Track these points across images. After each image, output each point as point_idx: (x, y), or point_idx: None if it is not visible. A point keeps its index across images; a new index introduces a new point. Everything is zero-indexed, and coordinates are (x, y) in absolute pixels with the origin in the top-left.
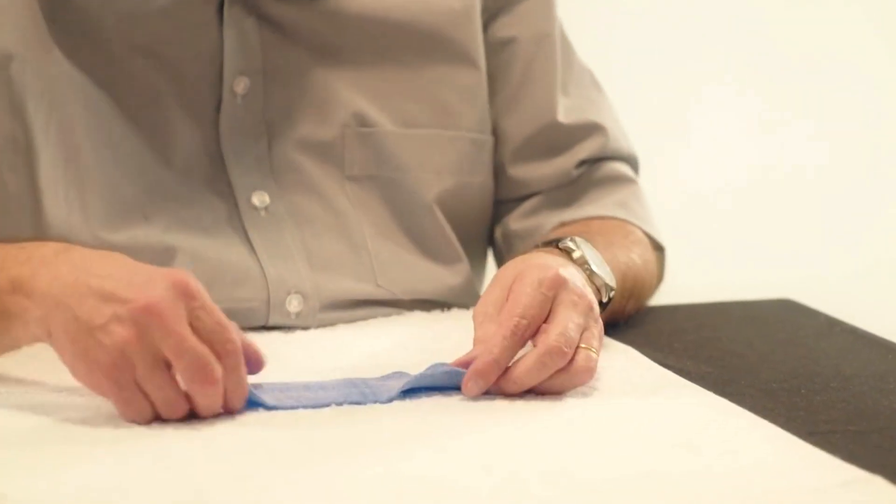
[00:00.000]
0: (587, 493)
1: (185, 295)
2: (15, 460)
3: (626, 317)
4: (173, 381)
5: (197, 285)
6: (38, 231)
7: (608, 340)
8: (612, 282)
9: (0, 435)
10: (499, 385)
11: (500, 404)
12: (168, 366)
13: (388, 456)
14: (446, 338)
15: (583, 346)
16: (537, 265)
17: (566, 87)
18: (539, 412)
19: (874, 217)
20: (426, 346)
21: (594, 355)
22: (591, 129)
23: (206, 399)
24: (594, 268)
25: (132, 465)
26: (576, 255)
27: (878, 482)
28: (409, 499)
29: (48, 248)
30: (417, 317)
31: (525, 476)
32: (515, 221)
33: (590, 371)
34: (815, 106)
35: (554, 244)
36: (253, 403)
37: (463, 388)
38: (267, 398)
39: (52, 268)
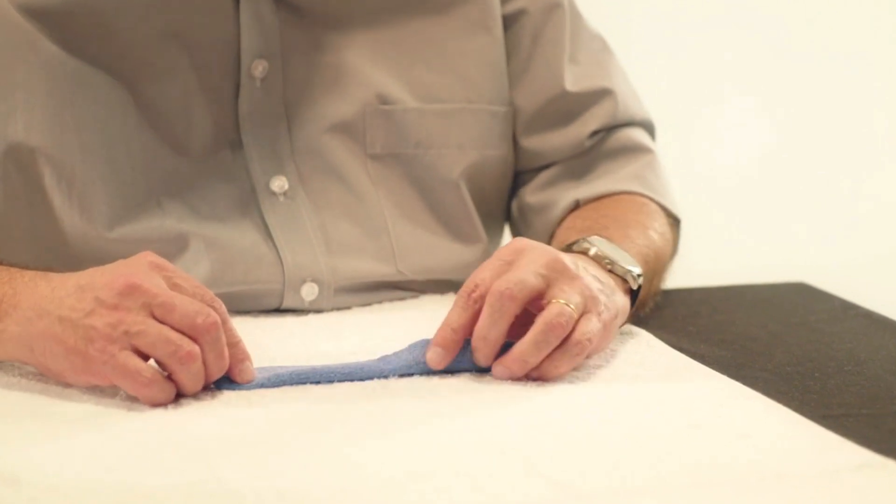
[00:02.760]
0: (599, 474)
1: (158, 268)
2: (26, 443)
3: (655, 295)
4: (173, 329)
5: (165, 261)
6: (48, 234)
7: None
8: (636, 269)
9: (10, 415)
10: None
11: (512, 388)
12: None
13: (403, 439)
14: None
15: (555, 300)
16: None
17: (575, 55)
18: (551, 395)
19: (889, 201)
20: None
21: (567, 307)
22: (601, 94)
23: (214, 346)
24: (615, 258)
25: (144, 447)
26: (592, 252)
27: (892, 466)
28: (423, 484)
29: (30, 273)
30: (432, 300)
31: (536, 459)
32: (531, 194)
33: (560, 325)
34: (831, 90)
35: (570, 247)
36: (258, 384)
37: (427, 360)
38: (271, 378)
39: (32, 286)
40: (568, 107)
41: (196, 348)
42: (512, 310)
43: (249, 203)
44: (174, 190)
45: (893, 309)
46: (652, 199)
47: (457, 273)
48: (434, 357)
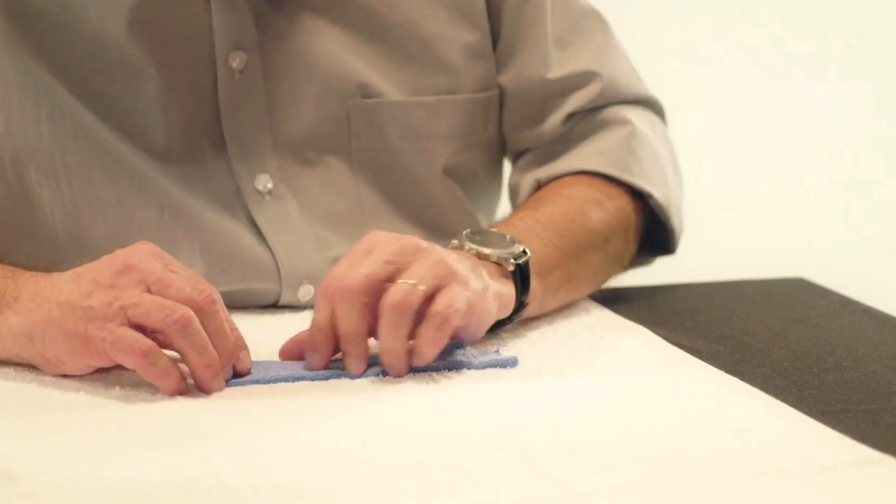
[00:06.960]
0: (597, 470)
1: (156, 254)
2: (22, 439)
3: (588, 276)
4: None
5: (162, 251)
6: (40, 233)
7: (618, 319)
8: (512, 249)
9: (6, 411)
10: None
11: (509, 384)
12: None
13: (400, 435)
14: None
15: (400, 280)
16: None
17: (562, 37)
18: (549, 392)
19: (889, 197)
20: None
21: (406, 283)
22: (585, 78)
23: (214, 319)
24: (488, 249)
25: (142, 443)
26: (467, 247)
27: (889, 462)
28: (420, 480)
29: (32, 272)
30: None
31: (535, 455)
32: (511, 177)
33: (400, 302)
34: (829, 85)
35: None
36: (253, 381)
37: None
38: (270, 373)
39: (34, 280)
40: (548, 95)
41: (191, 312)
42: (356, 302)
43: (235, 203)
44: (162, 191)
45: (892, 305)
46: (611, 176)
47: None
48: (312, 361)
